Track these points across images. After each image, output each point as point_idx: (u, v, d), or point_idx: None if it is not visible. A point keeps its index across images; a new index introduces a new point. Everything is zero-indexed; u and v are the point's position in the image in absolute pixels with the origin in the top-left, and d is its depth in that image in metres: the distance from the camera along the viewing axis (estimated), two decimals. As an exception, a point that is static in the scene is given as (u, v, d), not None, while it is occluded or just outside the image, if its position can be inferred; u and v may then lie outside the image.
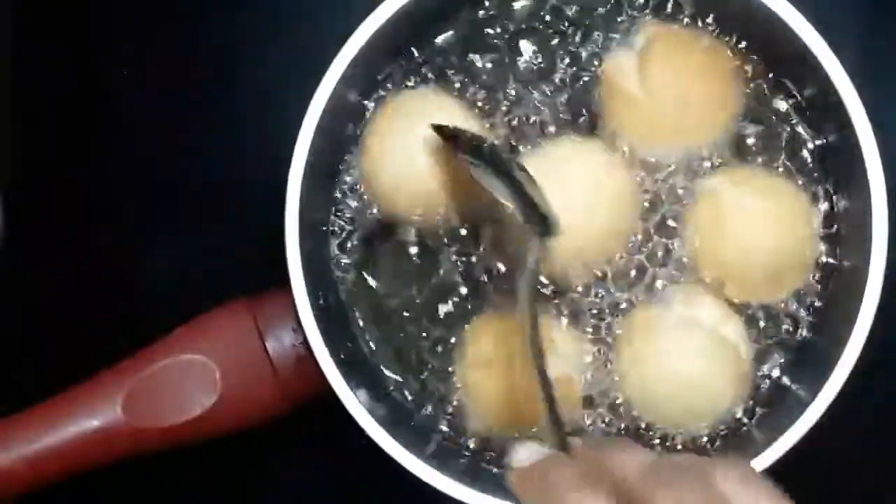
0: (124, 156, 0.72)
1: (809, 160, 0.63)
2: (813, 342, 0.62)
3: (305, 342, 0.59)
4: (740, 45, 0.63)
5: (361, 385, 0.60)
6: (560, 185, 0.59)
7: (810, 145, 0.63)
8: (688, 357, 0.60)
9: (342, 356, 0.59)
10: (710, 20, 0.64)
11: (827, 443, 0.57)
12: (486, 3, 0.64)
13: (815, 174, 0.63)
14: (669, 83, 0.62)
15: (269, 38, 0.72)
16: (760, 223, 0.61)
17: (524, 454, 0.50)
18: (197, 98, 0.72)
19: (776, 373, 0.62)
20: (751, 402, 0.62)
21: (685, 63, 0.62)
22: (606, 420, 0.62)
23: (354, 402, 0.58)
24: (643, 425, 0.62)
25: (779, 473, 0.51)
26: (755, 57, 0.63)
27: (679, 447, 0.61)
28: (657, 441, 0.61)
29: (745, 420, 0.62)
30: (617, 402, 0.62)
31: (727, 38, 0.63)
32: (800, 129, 0.63)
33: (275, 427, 0.61)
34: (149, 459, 0.60)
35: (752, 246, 0.61)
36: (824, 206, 0.63)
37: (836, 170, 0.62)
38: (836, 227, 0.62)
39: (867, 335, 0.57)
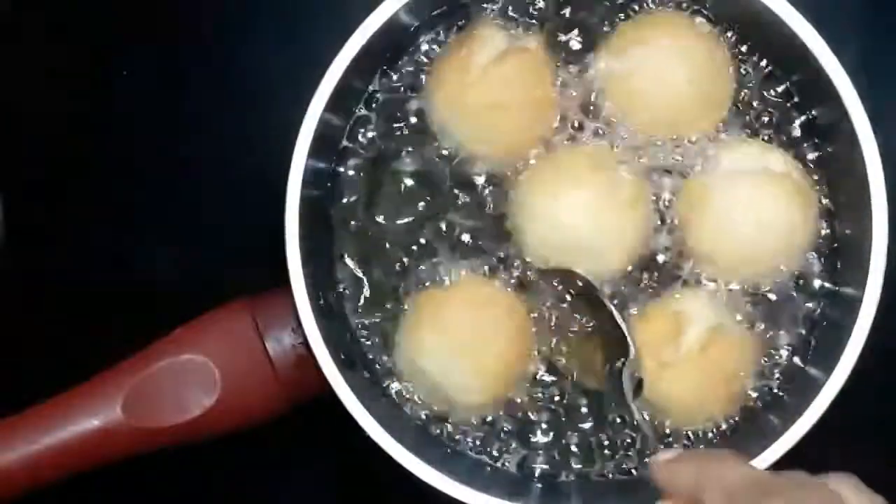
0: (124, 156, 0.72)
1: (808, 160, 0.63)
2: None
3: (305, 342, 0.58)
4: (736, 41, 0.64)
5: (361, 385, 0.59)
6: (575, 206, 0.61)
7: (807, 145, 0.63)
8: (749, 198, 0.61)
9: (342, 356, 0.59)
10: (710, 15, 0.64)
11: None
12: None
13: (814, 175, 0.63)
14: (495, 87, 0.62)
15: (269, 37, 0.72)
16: (664, 61, 0.62)
17: (668, 451, 0.52)
18: (197, 98, 0.72)
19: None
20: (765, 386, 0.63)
21: (519, 74, 0.62)
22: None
23: (354, 402, 0.58)
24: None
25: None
26: (754, 55, 0.64)
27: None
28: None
29: (759, 404, 0.63)
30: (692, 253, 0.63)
31: (725, 36, 0.64)
32: (796, 127, 0.64)
33: (275, 427, 0.61)
34: (149, 459, 0.60)
35: (668, 79, 0.62)
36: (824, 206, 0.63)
37: (835, 169, 0.63)
38: (835, 229, 0.63)
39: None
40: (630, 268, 0.63)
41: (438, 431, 0.63)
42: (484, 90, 0.62)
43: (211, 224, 0.71)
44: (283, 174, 0.59)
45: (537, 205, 0.61)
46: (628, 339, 0.57)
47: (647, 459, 0.58)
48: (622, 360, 0.57)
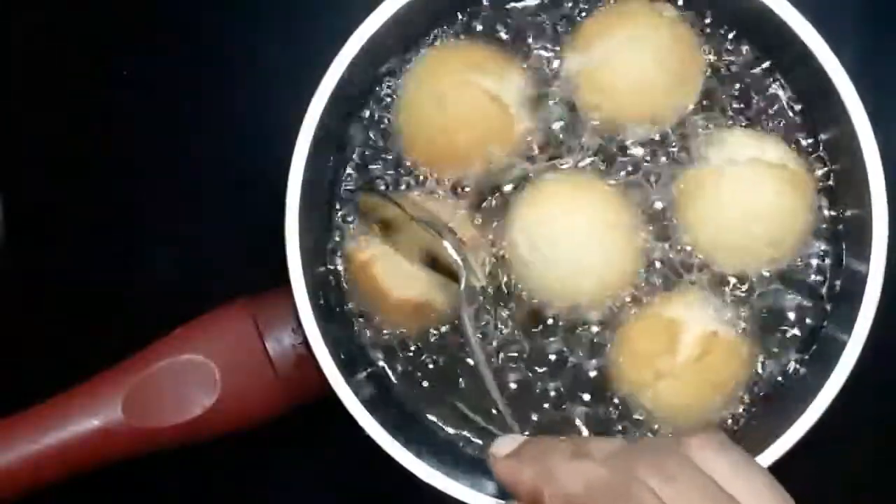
0: (123, 156, 0.72)
1: (807, 160, 0.63)
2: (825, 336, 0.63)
3: (305, 342, 0.59)
4: (732, 38, 0.64)
5: (361, 385, 0.60)
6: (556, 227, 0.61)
7: (808, 144, 0.63)
8: (745, 188, 0.60)
9: (342, 356, 0.59)
10: (706, 16, 0.64)
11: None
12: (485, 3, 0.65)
13: (814, 176, 0.63)
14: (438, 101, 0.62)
15: (269, 37, 0.72)
16: (635, 53, 0.62)
17: (508, 442, 0.50)
18: (197, 98, 0.72)
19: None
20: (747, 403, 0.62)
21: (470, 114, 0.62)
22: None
23: (354, 402, 0.58)
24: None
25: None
26: (753, 55, 0.64)
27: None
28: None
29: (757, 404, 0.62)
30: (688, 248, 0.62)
31: (723, 34, 0.64)
32: (798, 129, 0.64)
33: (275, 427, 0.61)
34: (149, 459, 0.60)
35: (639, 77, 0.62)
36: (824, 210, 0.63)
37: (835, 170, 0.63)
38: (838, 230, 0.63)
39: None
40: (628, 289, 0.62)
41: (439, 431, 0.63)
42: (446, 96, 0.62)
43: (211, 224, 0.71)
44: (283, 174, 0.59)
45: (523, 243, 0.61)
46: (457, 262, 0.56)
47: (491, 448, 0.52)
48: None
